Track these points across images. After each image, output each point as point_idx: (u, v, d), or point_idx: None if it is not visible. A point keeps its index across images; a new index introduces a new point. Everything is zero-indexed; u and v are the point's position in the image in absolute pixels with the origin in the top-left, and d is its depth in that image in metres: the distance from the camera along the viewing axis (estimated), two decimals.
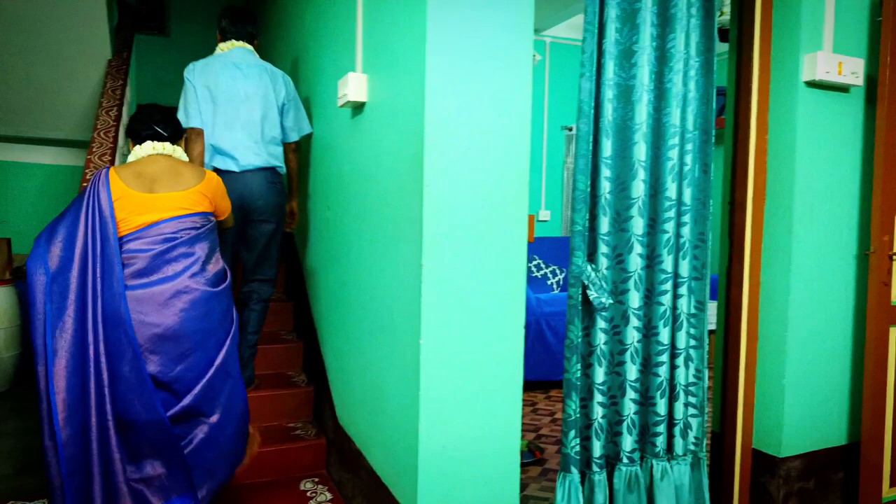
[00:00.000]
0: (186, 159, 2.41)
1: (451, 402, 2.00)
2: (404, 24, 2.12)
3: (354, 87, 2.51)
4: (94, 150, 3.54)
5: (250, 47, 3.18)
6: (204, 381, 2.14)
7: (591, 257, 2.23)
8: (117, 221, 2.12)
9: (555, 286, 5.64)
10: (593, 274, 2.16)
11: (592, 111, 2.18)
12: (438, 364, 1.98)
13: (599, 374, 2.20)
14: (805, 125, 2.55)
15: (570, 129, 6.35)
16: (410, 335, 2.04)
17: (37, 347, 2.01)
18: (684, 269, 2.28)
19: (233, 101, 3.02)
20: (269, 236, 3.12)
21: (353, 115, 2.69)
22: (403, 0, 2.12)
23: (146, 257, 2.12)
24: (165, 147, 2.33)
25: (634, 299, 2.22)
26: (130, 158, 2.33)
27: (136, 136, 2.34)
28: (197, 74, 3.01)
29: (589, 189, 2.17)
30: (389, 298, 2.24)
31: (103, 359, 2.03)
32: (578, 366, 2.17)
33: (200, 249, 2.22)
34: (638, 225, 2.22)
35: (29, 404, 3.50)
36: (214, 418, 2.16)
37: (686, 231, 2.28)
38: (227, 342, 2.24)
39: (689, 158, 2.28)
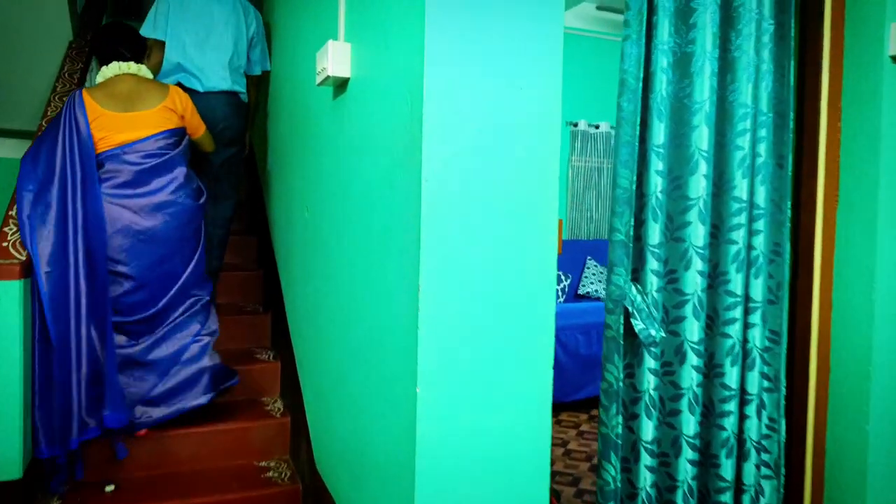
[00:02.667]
0: (150, 76, 2.46)
1: (457, 470, 1.44)
2: None
3: (336, 59, 1.95)
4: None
5: None
6: (174, 290, 2.34)
7: (636, 275, 1.67)
8: (97, 140, 2.26)
9: (559, 294, 5.09)
10: (639, 297, 1.61)
11: (639, 85, 1.62)
12: (441, 421, 1.42)
13: (647, 429, 1.64)
14: (892, 109, 2.00)
15: (575, 125, 5.79)
16: (404, 380, 1.48)
17: (25, 244, 2.14)
18: (757, 290, 1.72)
19: (205, 23, 2.99)
20: (229, 160, 3.12)
21: (335, 94, 2.12)
22: None
23: (131, 171, 2.26)
24: (131, 66, 2.40)
25: (693, 330, 1.66)
26: (98, 79, 2.42)
27: (102, 57, 2.45)
28: None
29: (634, 187, 1.62)
30: (376, 327, 1.68)
31: (82, 263, 2.19)
32: (619, 418, 1.61)
33: (179, 168, 2.37)
34: (698, 233, 1.66)
35: None
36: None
37: (759, 241, 1.72)
38: (196, 257, 2.43)
39: (762, 147, 1.73)
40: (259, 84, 3.37)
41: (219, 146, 3.00)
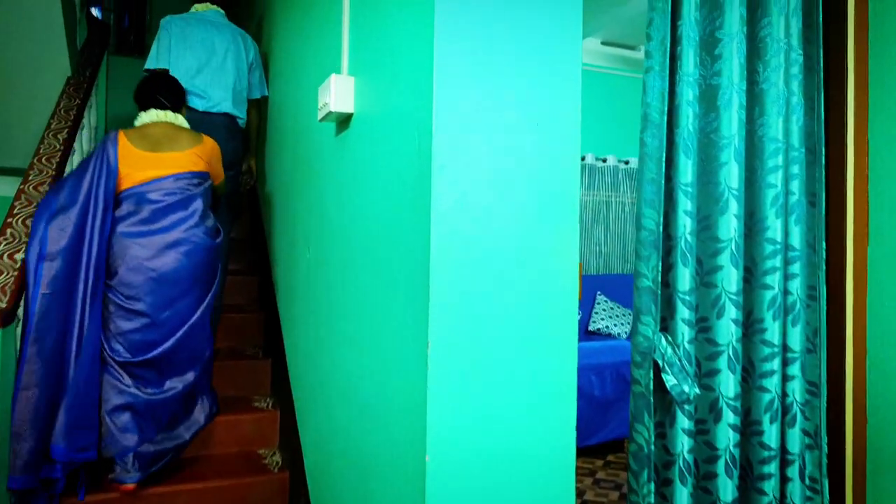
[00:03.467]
0: (186, 125, 2.54)
1: None
2: (403, 6, 1.46)
3: (339, 93, 1.83)
4: (30, 177, 2.81)
5: (222, 11, 3.34)
6: (185, 327, 2.29)
7: (665, 324, 1.53)
8: (122, 176, 2.30)
9: None
10: (670, 350, 1.46)
11: (664, 119, 1.50)
12: (453, 493, 1.27)
13: (682, 496, 1.47)
14: None
15: (583, 159, 5.69)
16: (411, 447, 1.33)
17: (28, 264, 2.12)
18: (795, 339, 1.57)
19: (206, 50, 3.14)
20: (227, 182, 3.13)
21: (338, 131, 2.01)
22: None
23: (150, 209, 2.28)
24: (168, 115, 2.49)
25: (728, 384, 1.51)
26: (136, 123, 2.49)
27: (142, 103, 2.52)
28: (174, 24, 3.14)
29: (661, 228, 1.49)
30: (384, 383, 1.54)
31: (90, 291, 2.17)
32: (651, 485, 1.45)
33: (197, 205, 2.37)
34: (730, 278, 1.52)
35: None
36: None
37: (796, 286, 1.58)
38: (206, 302, 2.37)
39: (795, 185, 1.60)
40: (259, 108, 3.48)
41: None
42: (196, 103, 3.07)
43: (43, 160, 3.01)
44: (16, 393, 2.02)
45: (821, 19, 1.65)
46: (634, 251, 1.51)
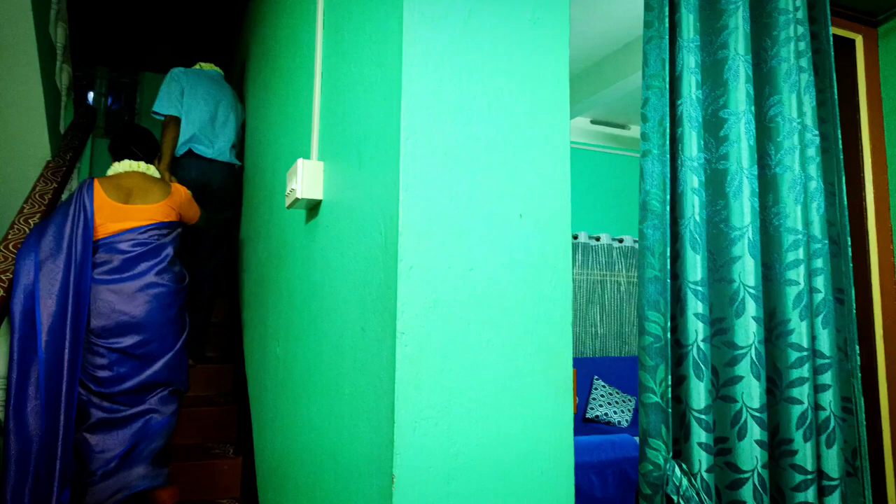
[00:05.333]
0: (157, 176, 2.58)
1: None
2: (372, 87, 1.28)
3: (307, 179, 1.64)
4: None
5: (222, 72, 3.64)
6: (148, 371, 2.30)
7: (677, 447, 1.27)
8: (96, 226, 2.34)
9: None
10: (685, 481, 1.20)
11: (666, 209, 1.29)
12: None
13: None
14: None
15: (575, 238, 5.51)
16: None
17: (14, 314, 2.13)
18: (832, 463, 1.31)
19: (213, 104, 3.39)
20: (227, 222, 3.40)
21: (308, 218, 1.81)
22: (370, 57, 1.30)
23: (120, 258, 2.34)
24: (140, 165, 2.56)
25: None
26: (109, 172, 2.56)
27: (116, 154, 2.60)
28: (182, 75, 3.37)
29: (669, 334, 1.25)
30: None
31: (71, 335, 2.19)
32: None
33: (166, 253, 2.43)
34: (752, 391, 1.27)
35: None
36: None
37: (827, 399, 1.33)
38: (177, 345, 2.39)
39: (820, 282, 1.37)
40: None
41: (219, 208, 3.33)
42: (204, 151, 3.28)
43: (10, 247, 2.79)
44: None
45: (836, 95, 1.47)
46: (638, 360, 1.27)
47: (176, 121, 3.30)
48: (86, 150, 4.35)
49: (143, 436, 2.27)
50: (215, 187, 3.30)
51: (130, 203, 2.43)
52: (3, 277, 2.59)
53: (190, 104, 3.35)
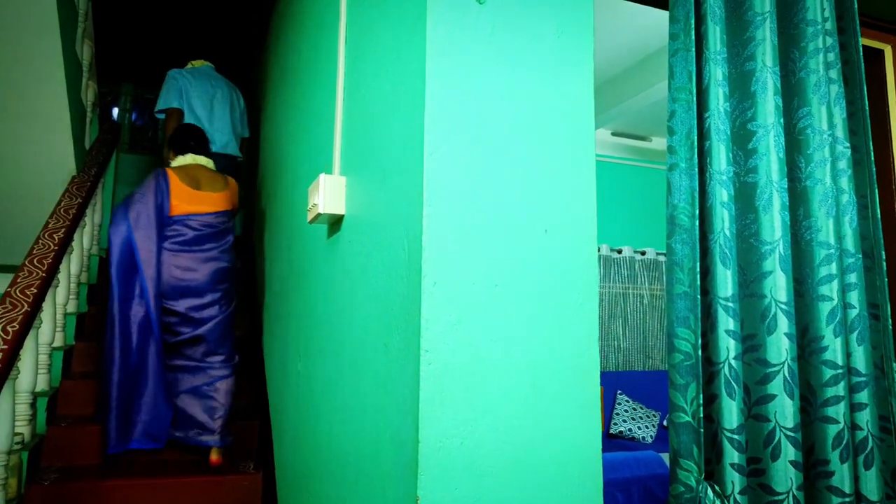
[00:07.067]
0: (214, 168, 2.96)
1: None
2: (395, 103, 1.28)
3: (329, 194, 1.64)
4: (18, 280, 2.60)
5: (212, 65, 3.81)
6: (211, 323, 2.72)
7: (710, 468, 1.24)
8: (172, 205, 2.72)
9: None
10: (718, 503, 1.16)
11: (695, 223, 1.27)
12: None
13: None
14: None
15: (598, 250, 5.48)
16: None
17: (112, 277, 2.63)
18: (872, 485, 1.27)
19: (210, 100, 3.60)
20: None
21: (330, 233, 1.81)
22: (392, 72, 1.30)
23: (192, 235, 2.73)
24: (201, 159, 2.92)
25: None
26: (174, 164, 2.91)
27: (179, 149, 2.95)
28: (181, 76, 3.58)
29: (700, 351, 1.23)
30: None
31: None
32: None
33: (228, 235, 2.84)
34: (785, 410, 1.23)
35: None
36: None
37: (865, 418, 1.29)
38: (229, 310, 2.79)
39: (854, 297, 1.34)
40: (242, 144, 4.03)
41: None
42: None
43: (35, 262, 2.83)
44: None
45: (867, 106, 1.44)
46: (668, 378, 1.24)
47: (179, 112, 3.52)
48: (110, 166, 4.42)
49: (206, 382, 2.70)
50: None
51: (200, 190, 2.81)
52: (28, 292, 2.62)
53: (190, 100, 3.57)
